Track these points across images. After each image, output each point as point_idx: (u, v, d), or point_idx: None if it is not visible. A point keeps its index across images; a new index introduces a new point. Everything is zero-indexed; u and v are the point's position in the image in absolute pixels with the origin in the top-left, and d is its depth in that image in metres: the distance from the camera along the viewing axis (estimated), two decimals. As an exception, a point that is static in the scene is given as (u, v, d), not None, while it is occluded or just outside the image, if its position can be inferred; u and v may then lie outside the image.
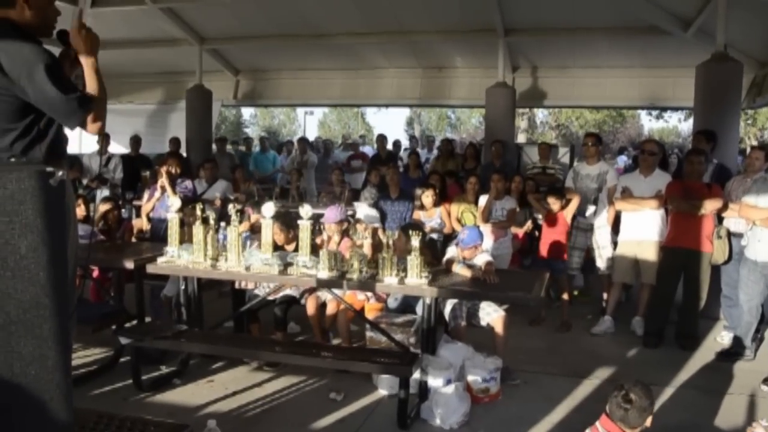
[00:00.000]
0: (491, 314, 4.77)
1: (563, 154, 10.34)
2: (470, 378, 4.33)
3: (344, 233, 5.07)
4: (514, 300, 4.53)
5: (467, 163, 9.78)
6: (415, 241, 4.19)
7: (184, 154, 11.02)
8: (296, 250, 4.63)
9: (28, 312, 1.42)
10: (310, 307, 5.09)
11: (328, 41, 10.69)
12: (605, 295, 6.51)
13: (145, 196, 7.73)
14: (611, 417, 2.84)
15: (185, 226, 5.02)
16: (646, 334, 5.80)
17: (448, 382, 4.18)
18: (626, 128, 34.35)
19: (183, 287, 4.96)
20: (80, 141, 13.17)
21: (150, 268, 4.67)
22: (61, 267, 1.47)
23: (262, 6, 9.69)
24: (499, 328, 4.74)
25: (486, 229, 6.29)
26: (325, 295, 5.07)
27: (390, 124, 56.59)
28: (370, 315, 5.03)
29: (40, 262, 1.41)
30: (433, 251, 5.54)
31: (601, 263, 6.51)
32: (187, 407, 4.26)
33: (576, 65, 10.70)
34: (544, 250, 6.36)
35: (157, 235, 5.94)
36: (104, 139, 9.78)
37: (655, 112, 26.22)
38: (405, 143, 14.67)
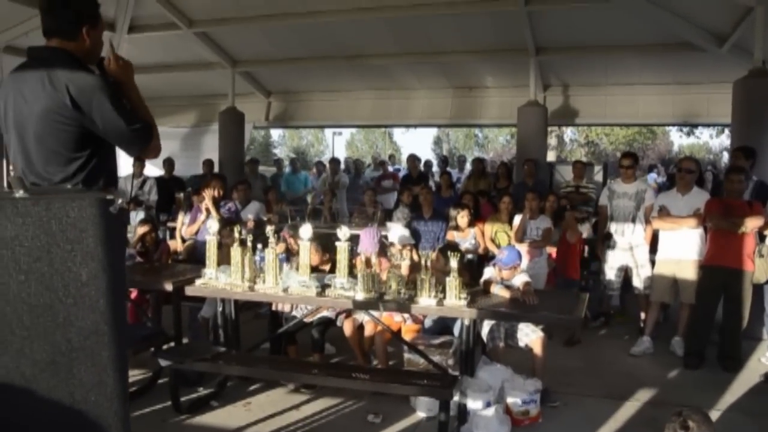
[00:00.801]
0: (529, 335, 4.73)
1: (596, 173, 10.25)
2: (510, 400, 4.28)
3: (380, 254, 5.07)
4: (556, 322, 4.49)
5: (499, 182, 9.75)
6: (454, 262, 4.18)
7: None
8: (332, 271, 4.64)
9: (88, 339, 1.44)
10: (348, 329, 5.09)
11: (359, 62, 10.80)
12: (643, 315, 6.40)
13: (180, 217, 7.85)
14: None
15: (223, 247, 5.07)
16: (687, 355, 5.69)
17: (488, 404, 4.14)
18: (656, 145, 34.00)
19: (220, 309, 5.00)
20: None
21: (188, 290, 4.71)
22: (119, 294, 1.49)
23: (294, 29, 9.82)
24: (537, 350, 4.68)
25: (521, 248, 6.24)
26: (361, 316, 5.06)
27: (417, 143, 56.68)
28: (407, 336, 5.01)
29: (100, 290, 1.44)
30: (471, 272, 5.51)
31: (639, 282, 6.42)
32: (224, 430, 4.27)
33: (608, 83, 10.65)
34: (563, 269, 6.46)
35: (202, 257, 6.01)
36: (140, 162, 10.02)
37: (686, 129, 25.92)
38: (433, 162, 14.66)
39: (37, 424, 1.43)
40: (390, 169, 14.04)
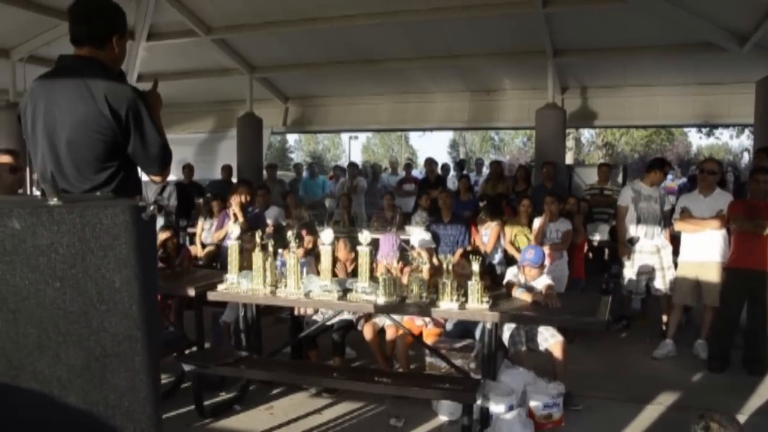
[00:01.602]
0: (548, 339, 4.70)
1: (617, 175, 10.19)
2: (532, 404, 4.26)
3: (400, 260, 5.07)
4: (580, 325, 4.47)
5: (518, 185, 9.72)
6: (476, 266, 4.17)
7: (234, 181, 11.25)
8: (354, 274, 4.65)
9: (121, 345, 1.46)
10: (368, 333, 5.09)
11: (376, 67, 10.83)
12: (665, 318, 6.36)
13: (199, 222, 7.90)
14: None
15: (244, 252, 5.10)
16: (711, 358, 5.63)
17: (510, 408, 4.12)
18: (674, 146, 33.74)
19: (242, 314, 5.03)
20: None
21: (211, 296, 4.74)
22: (151, 300, 1.51)
23: (311, 34, 9.88)
24: (557, 354, 4.66)
25: (541, 252, 6.23)
26: (382, 320, 5.07)
27: (433, 147, 56.65)
28: (428, 340, 5.00)
29: (133, 296, 1.46)
30: (493, 276, 5.51)
31: (662, 284, 6.37)
32: (249, 434, 4.30)
33: (627, 84, 10.60)
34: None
35: (226, 262, 6.06)
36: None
37: (705, 129, 25.72)
38: (450, 166, 14.64)
39: (73, 428, 1.45)
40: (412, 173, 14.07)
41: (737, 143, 32.26)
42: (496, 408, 4.13)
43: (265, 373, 4.43)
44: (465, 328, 5.05)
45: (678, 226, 6.00)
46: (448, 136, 40.67)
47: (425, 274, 4.83)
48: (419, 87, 11.63)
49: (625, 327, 6.90)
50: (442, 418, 4.45)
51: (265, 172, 12.14)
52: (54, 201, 1.47)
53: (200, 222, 8.40)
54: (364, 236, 4.37)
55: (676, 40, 8.81)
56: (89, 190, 2.49)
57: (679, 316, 6.18)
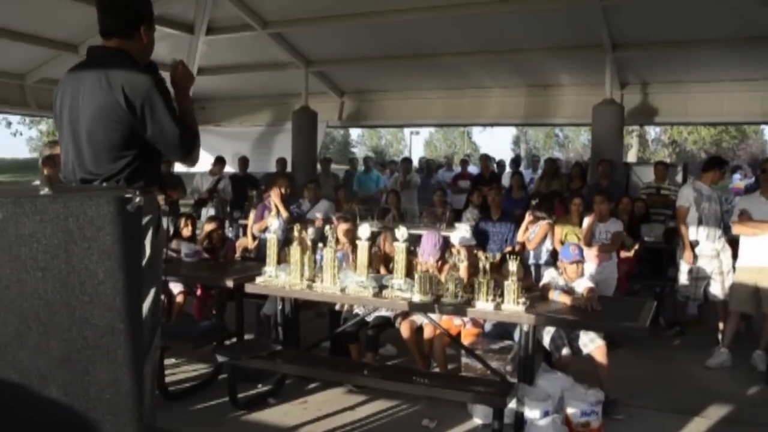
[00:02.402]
0: (588, 345, 4.54)
1: (676, 174, 9.81)
2: (569, 411, 4.11)
3: (440, 259, 4.98)
4: (617, 330, 4.30)
5: (573, 183, 9.49)
6: (513, 266, 4.06)
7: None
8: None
9: (104, 337, 1.44)
10: (405, 331, 5.03)
11: (431, 61, 10.71)
12: (721, 325, 6.06)
13: (251, 215, 7.99)
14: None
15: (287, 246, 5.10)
16: (770, 370, 5.35)
17: (546, 414, 4.00)
18: (748, 145, 32.38)
19: (280, 307, 5.04)
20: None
21: (248, 288, 4.77)
22: (135, 293, 1.49)
23: (367, 29, 9.84)
24: (598, 359, 4.49)
25: (590, 252, 6.04)
26: (420, 318, 5.00)
27: (496, 143, 56.07)
28: (466, 340, 4.91)
29: (117, 288, 1.44)
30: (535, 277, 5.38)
31: (719, 291, 6.08)
32: (280, 428, 4.30)
33: (690, 79, 10.15)
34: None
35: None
36: (220, 161, 10.30)
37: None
38: (506, 162, 14.40)
39: (53, 420, 1.44)
40: (469, 169, 13.90)
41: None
42: (531, 413, 4.01)
43: (297, 367, 4.42)
44: (504, 330, 4.94)
45: (736, 229, 5.70)
46: (511, 132, 40.18)
47: (463, 272, 4.73)
48: (475, 81, 11.44)
49: (679, 333, 6.63)
50: (477, 421, 4.36)
51: (319, 166, 12.20)
52: (45, 191, 1.46)
53: (252, 214, 8.49)
54: (401, 232, 4.31)
55: (743, 33, 8.37)
56: (107, 179, 2.53)
57: (735, 324, 5.88)
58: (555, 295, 4.34)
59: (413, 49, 10.46)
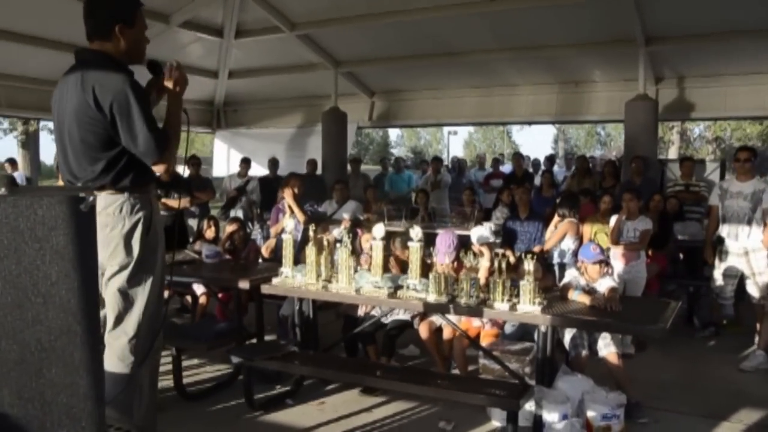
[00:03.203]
0: (601, 349, 4.39)
1: (712, 171, 9.49)
2: (590, 414, 3.98)
3: (456, 257, 4.88)
4: (635, 332, 4.15)
5: (605, 181, 9.29)
6: (529, 265, 3.95)
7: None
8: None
9: (59, 339, 1.41)
10: (423, 332, 4.95)
11: (461, 59, 10.58)
12: (759, 327, 5.82)
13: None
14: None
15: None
16: (808, 374, 5.12)
17: (565, 417, 3.88)
18: (798, 141, 31.27)
19: (297, 308, 5.01)
20: (228, 163, 14.02)
21: (264, 289, 4.75)
22: (92, 293, 1.45)
23: (395, 28, 9.77)
24: (611, 364, 4.34)
25: (617, 251, 5.87)
26: (439, 319, 4.91)
27: (536, 141, 55.40)
28: (485, 341, 4.81)
29: (72, 289, 1.41)
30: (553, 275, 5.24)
31: (755, 291, 5.85)
32: (295, 428, 4.27)
33: (729, 72, 9.78)
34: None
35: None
36: (245, 162, 10.36)
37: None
38: (540, 161, 14.18)
39: (7, 424, 1.41)
40: (501, 168, 13.72)
41: None
42: (550, 416, 3.90)
43: (310, 368, 4.39)
44: (524, 330, 4.81)
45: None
46: (551, 131, 39.68)
47: (483, 272, 4.62)
48: (505, 79, 11.26)
49: (714, 334, 6.40)
50: (495, 424, 4.26)
51: (348, 167, 12.18)
52: (1, 191, 1.44)
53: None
54: (415, 232, 4.25)
55: (786, 23, 8.06)
56: (89, 180, 2.53)
57: (772, 325, 5.65)
58: (574, 295, 4.21)
59: (442, 48, 10.36)
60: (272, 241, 7.76)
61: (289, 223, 4.79)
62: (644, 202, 6.69)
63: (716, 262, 6.08)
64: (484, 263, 4.71)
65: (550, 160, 13.81)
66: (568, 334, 4.51)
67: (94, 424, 1.46)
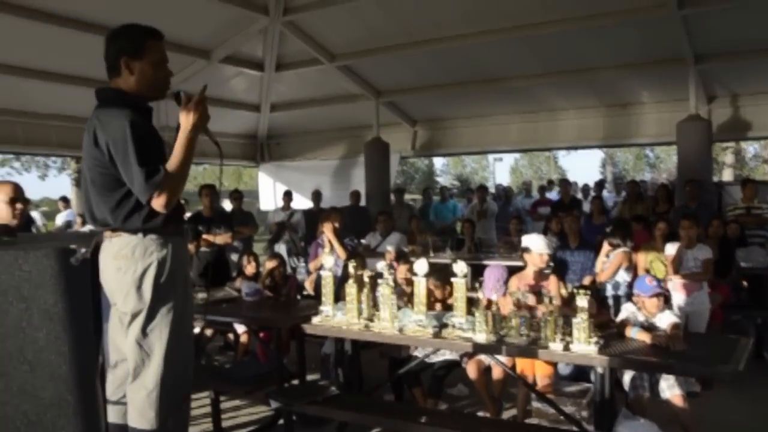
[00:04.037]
0: (665, 391, 4.06)
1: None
2: (655, 462, 3.66)
3: (506, 295, 4.62)
4: (704, 374, 3.81)
5: (659, 206, 8.88)
6: (582, 301, 3.67)
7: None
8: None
9: (48, 411, 1.24)
10: (472, 372, 4.69)
11: (503, 85, 10.40)
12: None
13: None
14: None
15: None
16: None
17: (627, 466, 3.57)
18: None
19: (338, 347, 4.81)
20: (274, 196, 13.99)
21: (306, 328, 4.57)
22: (87, 358, 1.28)
23: (434, 56, 9.68)
24: (677, 407, 4.00)
25: (677, 282, 5.52)
26: (488, 358, 4.64)
27: (584, 166, 54.38)
28: (539, 373, 4.51)
29: (62, 354, 1.24)
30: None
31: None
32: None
33: (786, 88, 9.36)
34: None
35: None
36: (288, 195, 10.31)
37: None
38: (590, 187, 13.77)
39: None
40: (548, 195, 13.39)
41: None
42: (610, 465, 3.59)
43: (352, 414, 4.16)
44: (581, 369, 4.51)
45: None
46: (599, 155, 38.99)
47: (530, 302, 4.35)
48: (549, 104, 11.01)
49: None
50: (552, 472, 3.96)
51: (392, 197, 12.02)
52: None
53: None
54: (459, 267, 4.01)
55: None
56: (104, 222, 2.45)
57: None
58: (633, 333, 3.90)
59: (483, 74, 10.21)
60: (314, 275, 7.64)
61: (329, 259, 4.60)
62: (702, 227, 6.32)
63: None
64: (555, 301, 4.33)
65: (600, 185, 13.40)
66: (628, 375, 4.20)
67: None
